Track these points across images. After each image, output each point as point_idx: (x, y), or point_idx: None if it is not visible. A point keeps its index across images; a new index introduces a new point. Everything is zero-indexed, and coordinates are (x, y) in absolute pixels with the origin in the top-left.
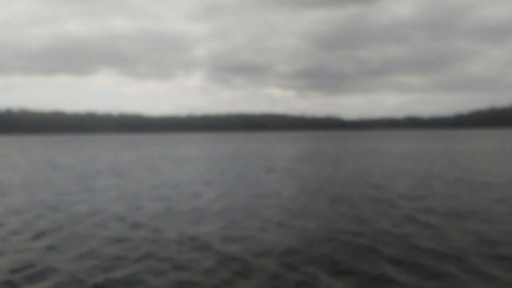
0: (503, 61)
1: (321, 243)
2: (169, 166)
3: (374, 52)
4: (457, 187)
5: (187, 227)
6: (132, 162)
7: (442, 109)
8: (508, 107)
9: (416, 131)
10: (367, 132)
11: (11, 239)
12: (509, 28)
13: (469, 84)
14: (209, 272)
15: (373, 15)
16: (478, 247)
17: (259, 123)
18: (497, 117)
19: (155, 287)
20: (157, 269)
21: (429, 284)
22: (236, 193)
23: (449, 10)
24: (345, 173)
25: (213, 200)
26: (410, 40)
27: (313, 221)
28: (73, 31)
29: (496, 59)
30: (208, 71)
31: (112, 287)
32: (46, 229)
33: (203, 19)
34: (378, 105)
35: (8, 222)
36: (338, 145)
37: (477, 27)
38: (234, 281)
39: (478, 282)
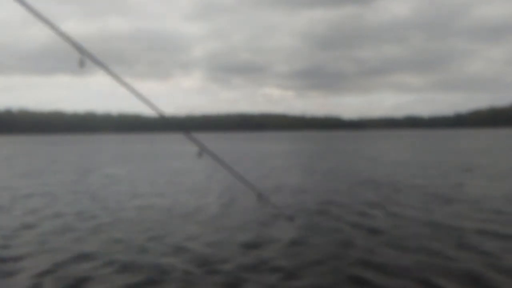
0: (501, 61)
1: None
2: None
3: (373, 52)
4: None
5: None
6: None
7: (442, 108)
8: (507, 106)
9: (416, 131)
10: (367, 132)
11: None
12: (507, 27)
13: (468, 84)
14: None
15: (371, 15)
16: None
17: (259, 123)
18: (496, 117)
19: None
20: None
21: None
22: None
23: (446, 9)
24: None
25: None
26: (408, 40)
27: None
28: (71, 31)
29: (494, 59)
30: (206, 71)
31: None
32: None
33: (201, 19)
34: (378, 105)
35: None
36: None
37: (475, 27)
38: None
39: None
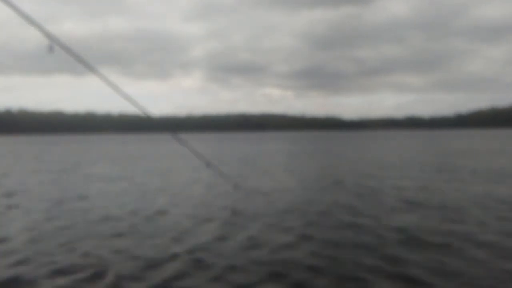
0: (501, 61)
1: None
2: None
3: (372, 52)
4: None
5: None
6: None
7: (442, 109)
8: (508, 107)
9: (416, 131)
10: (367, 132)
11: None
12: (505, 27)
13: (468, 84)
14: None
15: (369, 15)
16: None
17: (259, 123)
18: (497, 117)
19: None
20: None
21: None
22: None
23: (445, 10)
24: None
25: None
26: (408, 40)
27: None
28: (70, 31)
29: (493, 59)
30: (206, 71)
31: None
32: None
33: (200, 19)
34: (378, 105)
35: None
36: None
37: (474, 27)
38: None
39: None
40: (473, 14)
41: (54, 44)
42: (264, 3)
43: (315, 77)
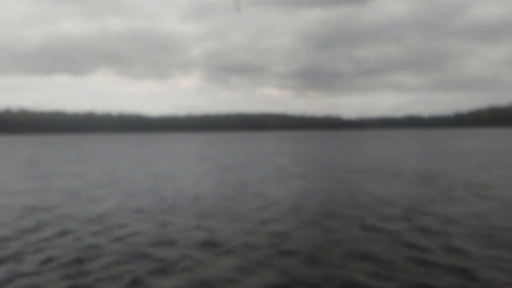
0: (499, 61)
1: None
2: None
3: (371, 52)
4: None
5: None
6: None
7: (441, 108)
8: (507, 106)
9: (415, 130)
10: (366, 132)
11: None
12: (504, 27)
13: (467, 83)
14: None
15: (367, 15)
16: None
17: (259, 123)
18: (496, 116)
19: None
20: None
21: None
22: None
23: (442, 9)
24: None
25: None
26: (406, 40)
27: None
28: (69, 31)
29: (491, 59)
30: (205, 71)
31: None
32: None
33: (197, 19)
34: (377, 104)
35: None
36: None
37: (472, 27)
38: None
39: None
40: (472, 13)
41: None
42: (262, 2)
43: (314, 77)
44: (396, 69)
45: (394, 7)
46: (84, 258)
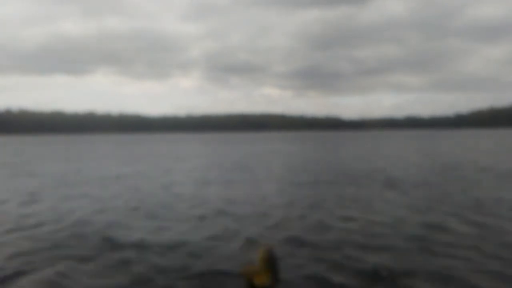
0: (499, 61)
1: None
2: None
3: (370, 52)
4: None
5: None
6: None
7: (441, 108)
8: (507, 106)
9: (416, 131)
10: (367, 132)
11: None
12: (503, 27)
13: (467, 84)
14: None
15: (367, 15)
16: None
17: (259, 123)
18: (496, 117)
19: None
20: None
21: None
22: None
23: (442, 9)
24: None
25: None
26: (406, 40)
27: None
28: (69, 31)
29: (491, 59)
30: (204, 71)
31: None
32: None
33: (197, 19)
34: (377, 104)
35: None
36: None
37: (472, 27)
38: None
39: None
40: (472, 13)
41: None
42: (261, 2)
43: (314, 77)
44: (396, 69)
45: (394, 7)
46: None
